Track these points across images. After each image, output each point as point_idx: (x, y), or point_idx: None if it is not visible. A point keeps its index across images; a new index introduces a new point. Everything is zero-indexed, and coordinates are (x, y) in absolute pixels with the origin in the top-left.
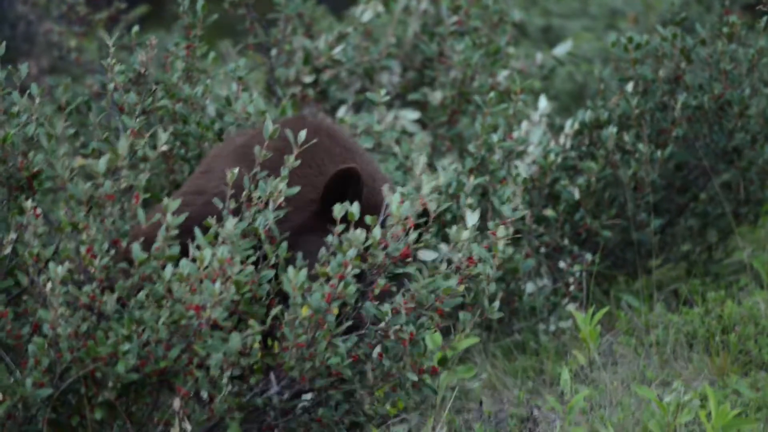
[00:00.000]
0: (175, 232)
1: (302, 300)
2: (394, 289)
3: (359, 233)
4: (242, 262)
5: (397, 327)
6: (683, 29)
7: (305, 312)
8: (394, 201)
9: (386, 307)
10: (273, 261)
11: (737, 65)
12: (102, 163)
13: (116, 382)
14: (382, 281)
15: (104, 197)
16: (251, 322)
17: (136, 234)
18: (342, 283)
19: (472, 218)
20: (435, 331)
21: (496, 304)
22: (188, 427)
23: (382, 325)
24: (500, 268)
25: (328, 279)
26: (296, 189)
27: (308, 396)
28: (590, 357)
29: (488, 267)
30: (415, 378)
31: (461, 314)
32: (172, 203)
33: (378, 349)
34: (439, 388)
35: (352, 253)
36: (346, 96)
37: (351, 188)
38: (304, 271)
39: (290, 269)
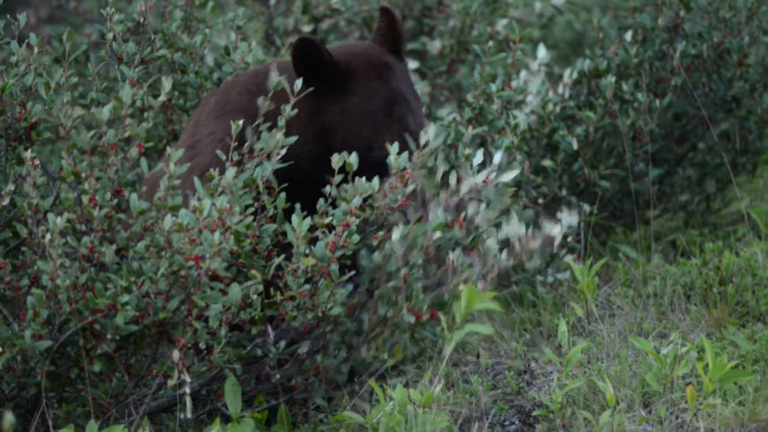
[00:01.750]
0: (177, 182)
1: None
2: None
3: (363, 182)
4: (242, 214)
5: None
6: None
7: (308, 262)
8: (392, 152)
9: (377, 255)
10: (271, 212)
11: (736, 13)
12: (105, 112)
13: (115, 333)
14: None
15: (107, 146)
16: (252, 272)
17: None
18: (346, 232)
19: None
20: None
21: (495, 247)
22: (187, 378)
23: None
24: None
25: (331, 229)
26: (293, 139)
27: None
28: (588, 309)
29: (490, 211)
30: (412, 320)
31: (459, 257)
32: (175, 153)
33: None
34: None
35: (357, 201)
36: None
37: (314, 53)
38: (307, 221)
39: (294, 218)
